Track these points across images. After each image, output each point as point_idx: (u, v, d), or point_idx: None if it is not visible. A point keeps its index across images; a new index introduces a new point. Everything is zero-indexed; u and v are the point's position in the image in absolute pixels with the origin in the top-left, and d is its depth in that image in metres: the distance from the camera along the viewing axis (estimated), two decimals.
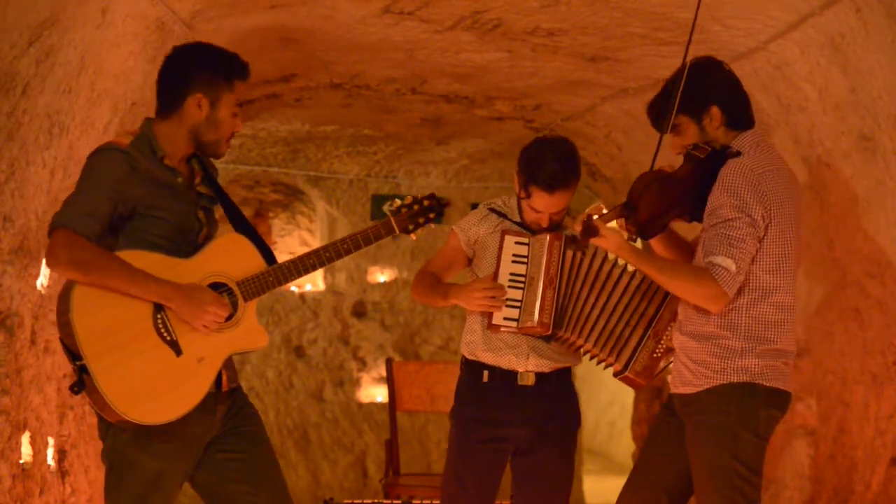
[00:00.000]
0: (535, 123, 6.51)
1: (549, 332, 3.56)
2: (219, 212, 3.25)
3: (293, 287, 7.84)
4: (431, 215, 3.42)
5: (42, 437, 3.81)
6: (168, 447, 3.02)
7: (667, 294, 3.49)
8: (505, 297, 3.58)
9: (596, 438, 11.90)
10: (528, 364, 3.65)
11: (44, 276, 3.75)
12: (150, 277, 2.94)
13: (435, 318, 8.22)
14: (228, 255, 3.11)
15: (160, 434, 2.97)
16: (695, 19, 3.34)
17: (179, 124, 3.09)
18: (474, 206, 3.90)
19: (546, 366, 3.67)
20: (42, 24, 3.33)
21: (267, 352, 7.86)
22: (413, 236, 3.41)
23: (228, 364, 3.13)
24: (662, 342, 3.52)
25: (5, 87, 3.32)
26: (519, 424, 3.67)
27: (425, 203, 3.41)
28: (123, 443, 3.00)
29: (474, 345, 3.70)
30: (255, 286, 3.11)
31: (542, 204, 3.61)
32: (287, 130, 7.06)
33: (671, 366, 3.44)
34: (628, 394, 9.28)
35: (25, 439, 3.70)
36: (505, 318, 3.59)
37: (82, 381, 2.89)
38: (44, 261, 3.69)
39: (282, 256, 3.24)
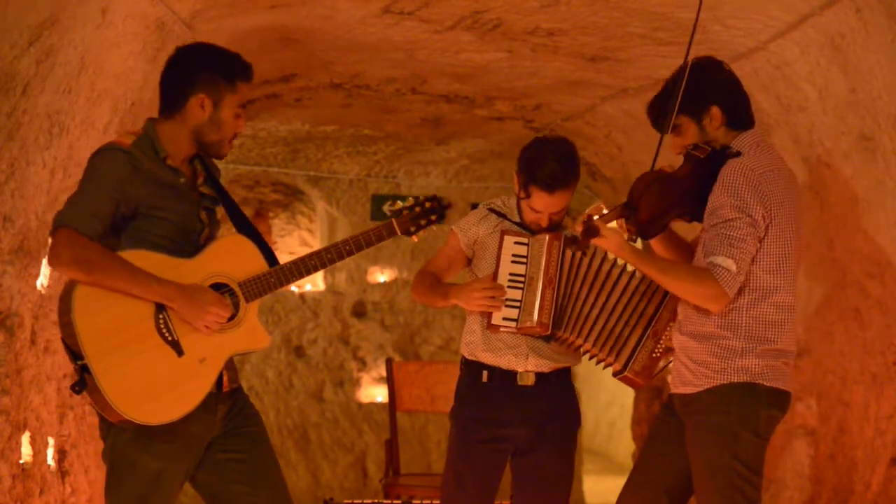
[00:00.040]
0: (535, 123, 6.51)
1: (549, 332, 3.56)
2: (220, 212, 3.25)
3: (293, 287, 7.84)
4: (433, 217, 3.43)
5: (42, 437, 3.81)
6: (169, 447, 3.02)
7: (666, 294, 3.49)
8: (504, 297, 3.58)
9: (596, 438, 11.90)
10: (527, 364, 3.65)
11: (44, 276, 3.75)
12: (153, 277, 2.94)
13: (435, 318, 8.22)
14: (230, 256, 3.12)
15: (161, 434, 2.97)
16: (696, 20, 3.34)
17: (182, 125, 3.09)
18: (474, 206, 3.90)
19: (545, 366, 3.67)
20: (42, 24, 3.33)
21: (267, 352, 7.86)
22: (415, 238, 3.41)
23: (229, 365, 3.13)
24: (661, 342, 3.52)
25: (5, 87, 3.32)
26: (518, 424, 3.67)
27: (427, 205, 3.42)
28: (124, 443, 3.00)
29: (474, 345, 3.70)
30: (257, 287, 3.11)
31: (542, 204, 3.61)
32: (287, 130, 7.07)
33: (671, 366, 3.44)
34: (628, 394, 9.28)
35: (25, 439, 3.70)
36: (504, 318, 3.59)
37: (84, 381, 2.89)
38: (44, 261, 3.70)
39: (282, 256, 3.24)
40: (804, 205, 3.48)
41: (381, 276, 8.19)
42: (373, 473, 7.95)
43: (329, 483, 7.94)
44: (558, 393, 3.73)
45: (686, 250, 3.48)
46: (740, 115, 3.31)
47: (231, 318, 3.06)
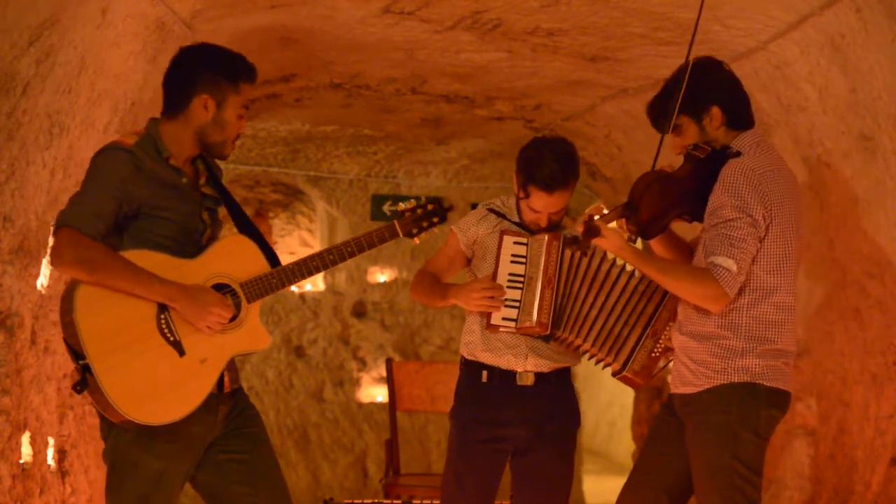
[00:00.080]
0: (535, 123, 6.51)
1: (548, 331, 3.56)
2: (222, 212, 3.25)
3: (293, 287, 7.84)
4: (435, 219, 3.43)
5: (42, 437, 3.81)
6: (170, 447, 3.02)
7: (665, 293, 3.49)
8: (503, 298, 3.58)
9: (596, 438, 11.90)
10: (526, 364, 3.65)
11: (44, 276, 3.75)
12: (155, 278, 2.95)
13: (435, 318, 8.22)
14: (232, 257, 3.12)
15: (162, 434, 2.97)
16: (697, 20, 3.34)
17: (185, 125, 3.09)
18: (474, 207, 3.90)
19: (545, 366, 3.67)
20: (42, 24, 3.33)
21: (267, 352, 7.86)
22: (416, 240, 3.42)
23: (231, 365, 3.14)
24: (661, 342, 3.52)
25: (5, 87, 3.32)
26: (518, 424, 3.67)
27: (429, 207, 3.42)
28: (125, 443, 3.00)
29: (473, 345, 3.70)
30: (259, 288, 3.11)
31: (541, 204, 3.61)
32: (287, 130, 7.07)
33: (671, 366, 3.44)
34: (628, 394, 9.28)
35: (25, 439, 3.70)
36: (503, 319, 3.59)
37: (85, 381, 2.89)
38: (44, 261, 3.70)
39: (282, 256, 3.24)
40: (804, 205, 3.48)
41: (381, 276, 8.19)
42: (373, 473, 7.95)
43: (329, 483, 7.94)
44: (558, 393, 3.73)
45: (685, 250, 3.48)
46: (740, 115, 3.31)
47: (233, 319, 3.06)
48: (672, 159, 3.39)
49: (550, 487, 3.74)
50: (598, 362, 3.64)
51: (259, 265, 3.14)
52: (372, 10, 4.39)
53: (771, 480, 4.80)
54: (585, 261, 3.57)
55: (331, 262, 3.21)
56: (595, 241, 3.23)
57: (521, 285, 3.58)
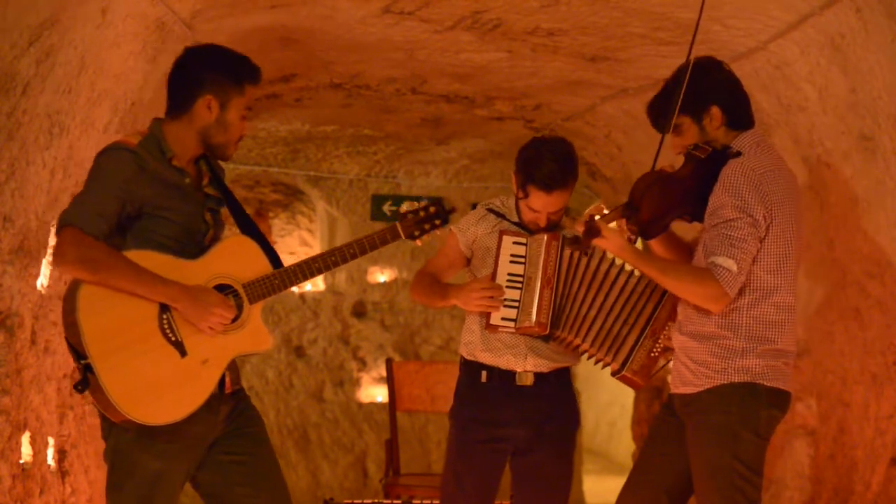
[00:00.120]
0: (535, 123, 6.51)
1: (547, 331, 3.56)
2: (224, 213, 3.25)
3: (293, 287, 7.84)
4: (437, 222, 3.43)
5: (42, 437, 3.81)
6: (171, 447, 3.02)
7: (664, 293, 3.49)
8: (503, 298, 3.58)
9: (596, 438, 11.90)
10: (526, 364, 3.65)
11: (44, 276, 3.75)
12: (157, 278, 2.95)
13: (435, 318, 8.22)
14: (234, 258, 3.12)
15: (163, 434, 2.97)
16: (698, 20, 3.34)
17: (189, 125, 3.09)
18: (474, 207, 3.90)
19: (544, 366, 3.67)
20: (42, 24, 3.33)
21: (267, 352, 7.86)
22: (418, 242, 3.41)
23: (232, 366, 3.14)
24: (660, 342, 3.52)
25: (5, 87, 3.32)
26: (517, 424, 3.67)
27: (431, 209, 3.42)
28: (126, 443, 3.00)
29: (473, 345, 3.70)
30: (261, 289, 3.11)
31: (540, 204, 3.61)
32: (287, 130, 7.07)
33: (671, 366, 3.44)
34: (628, 394, 9.28)
35: (25, 439, 3.70)
36: (503, 319, 3.60)
37: (87, 381, 2.89)
38: (44, 261, 3.70)
39: (282, 256, 3.24)
40: (804, 205, 3.48)
41: (381, 276, 8.19)
42: (373, 473, 7.95)
43: (329, 483, 7.94)
44: (557, 393, 3.73)
45: (685, 250, 3.48)
46: (740, 115, 3.31)
47: (235, 320, 3.06)
48: (672, 159, 3.39)
49: (550, 487, 3.74)
50: (597, 362, 3.64)
51: (261, 266, 3.14)
52: (372, 10, 4.39)
53: (771, 480, 4.80)
54: (584, 260, 3.57)
55: (333, 263, 3.21)
56: (595, 242, 3.23)
57: (520, 285, 3.58)
